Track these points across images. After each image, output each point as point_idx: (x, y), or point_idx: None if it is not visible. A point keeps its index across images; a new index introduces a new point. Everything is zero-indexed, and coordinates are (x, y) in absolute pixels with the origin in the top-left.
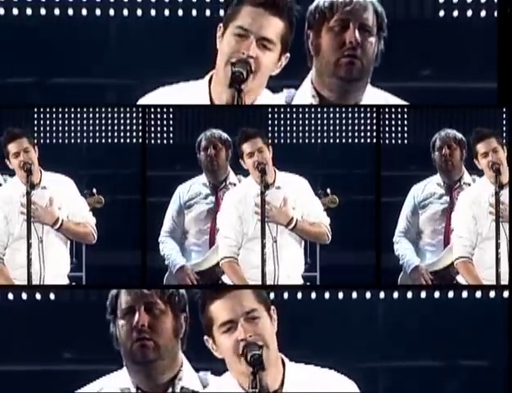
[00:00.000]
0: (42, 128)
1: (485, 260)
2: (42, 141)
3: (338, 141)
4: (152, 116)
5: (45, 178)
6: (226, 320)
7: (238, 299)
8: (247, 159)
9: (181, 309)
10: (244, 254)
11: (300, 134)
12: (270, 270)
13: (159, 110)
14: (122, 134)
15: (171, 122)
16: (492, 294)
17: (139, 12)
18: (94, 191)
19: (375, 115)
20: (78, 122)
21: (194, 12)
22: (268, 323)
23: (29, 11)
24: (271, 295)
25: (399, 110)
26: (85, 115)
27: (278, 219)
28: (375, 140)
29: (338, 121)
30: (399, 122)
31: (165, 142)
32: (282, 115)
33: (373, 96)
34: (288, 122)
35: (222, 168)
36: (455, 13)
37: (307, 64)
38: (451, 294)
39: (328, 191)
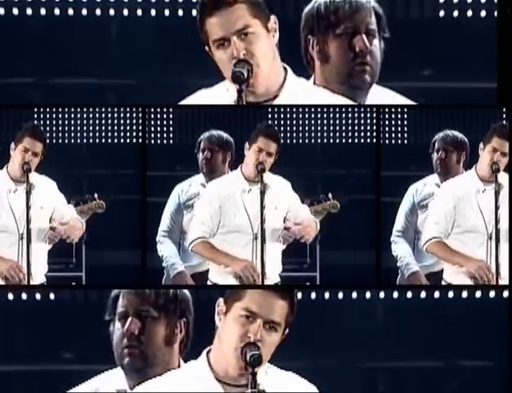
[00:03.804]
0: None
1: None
2: None
3: (338, 141)
4: (152, 116)
5: (33, 180)
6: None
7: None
8: (253, 151)
9: (179, 316)
10: (222, 245)
11: (300, 134)
12: None
13: (159, 110)
14: (122, 134)
15: (171, 122)
16: (492, 294)
17: (139, 12)
18: (95, 195)
19: (375, 115)
20: (78, 122)
21: (194, 12)
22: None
23: (29, 11)
24: None
25: (399, 110)
26: (85, 115)
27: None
28: (375, 140)
29: (338, 121)
30: (399, 122)
31: (165, 142)
32: (282, 115)
33: (380, 95)
34: (288, 122)
35: (219, 170)
36: (455, 13)
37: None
38: (450, 294)
39: (329, 195)
